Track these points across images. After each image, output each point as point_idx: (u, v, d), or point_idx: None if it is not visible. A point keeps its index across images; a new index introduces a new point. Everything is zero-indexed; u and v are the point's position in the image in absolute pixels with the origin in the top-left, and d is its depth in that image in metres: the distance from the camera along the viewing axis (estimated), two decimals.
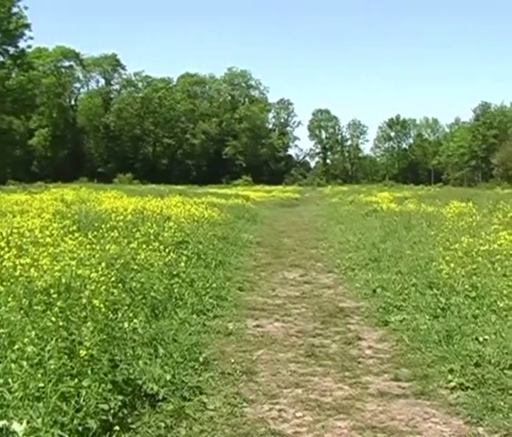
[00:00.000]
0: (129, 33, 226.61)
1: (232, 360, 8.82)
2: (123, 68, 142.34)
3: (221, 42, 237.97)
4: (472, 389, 7.53)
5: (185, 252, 15.34)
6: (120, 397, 6.47)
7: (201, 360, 8.60)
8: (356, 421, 6.77)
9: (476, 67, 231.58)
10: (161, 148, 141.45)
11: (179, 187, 68.08)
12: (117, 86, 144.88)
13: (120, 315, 8.39)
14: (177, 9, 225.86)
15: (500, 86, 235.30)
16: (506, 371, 7.76)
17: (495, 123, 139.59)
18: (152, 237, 14.68)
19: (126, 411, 6.46)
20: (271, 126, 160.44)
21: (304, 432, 6.51)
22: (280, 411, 7.09)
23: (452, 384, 7.74)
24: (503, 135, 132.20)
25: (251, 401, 7.35)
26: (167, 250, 13.41)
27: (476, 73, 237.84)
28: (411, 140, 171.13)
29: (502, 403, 7.01)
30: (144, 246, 13.06)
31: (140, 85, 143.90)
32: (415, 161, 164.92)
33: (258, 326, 10.99)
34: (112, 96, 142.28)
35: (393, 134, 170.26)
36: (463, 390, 7.57)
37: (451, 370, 8.09)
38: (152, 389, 7.05)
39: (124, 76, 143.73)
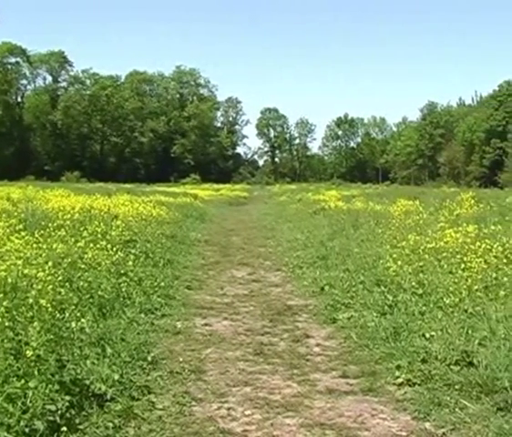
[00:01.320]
0: (77, 30, 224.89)
1: (181, 359, 8.79)
2: (70, 65, 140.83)
3: (170, 40, 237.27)
4: (419, 385, 7.61)
5: (133, 251, 15.26)
6: (68, 397, 6.39)
7: (150, 359, 8.55)
8: (305, 419, 6.79)
9: (423, 68, 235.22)
10: (109, 146, 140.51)
11: (127, 185, 67.76)
12: (64, 84, 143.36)
13: (67, 315, 8.31)
14: (125, 7, 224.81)
15: (446, 86, 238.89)
16: (452, 367, 7.85)
17: (441, 122, 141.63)
18: (100, 235, 14.54)
19: (73, 412, 6.39)
20: (219, 124, 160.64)
21: (253, 430, 6.51)
22: (229, 409, 7.07)
23: (399, 380, 7.81)
24: (449, 134, 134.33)
25: (200, 400, 7.33)
26: (114, 249, 13.29)
27: (422, 73, 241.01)
28: (359, 139, 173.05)
29: (448, 398, 7.10)
30: (91, 245, 12.93)
31: (88, 82, 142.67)
32: (363, 160, 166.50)
33: (206, 325, 10.96)
34: (59, 93, 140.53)
35: (341, 133, 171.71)
36: (410, 386, 7.64)
37: (398, 367, 8.17)
38: (100, 389, 6.98)
39: (71, 74, 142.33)
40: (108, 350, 8.25)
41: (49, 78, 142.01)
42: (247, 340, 9.99)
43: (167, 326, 10.61)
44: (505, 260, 11.78)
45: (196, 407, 7.12)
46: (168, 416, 6.79)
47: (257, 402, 7.28)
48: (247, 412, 6.98)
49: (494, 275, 11.10)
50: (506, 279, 10.72)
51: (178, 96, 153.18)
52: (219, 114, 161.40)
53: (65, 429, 5.89)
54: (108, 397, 6.94)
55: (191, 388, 7.73)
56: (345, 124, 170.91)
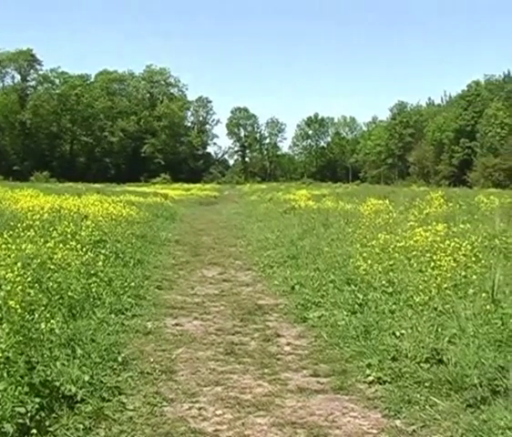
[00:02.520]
0: (46, 28, 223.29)
1: (151, 360, 8.76)
2: (39, 64, 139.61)
3: (140, 39, 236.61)
4: (389, 382, 7.66)
5: (103, 251, 15.15)
6: (37, 399, 6.34)
7: (120, 359, 8.50)
8: (276, 418, 6.80)
9: (393, 67, 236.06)
10: (79, 146, 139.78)
11: (97, 185, 67.59)
12: (33, 83, 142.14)
13: (37, 316, 8.24)
14: (95, 6, 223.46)
15: (416, 86, 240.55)
16: (422, 365, 7.91)
17: (411, 122, 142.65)
18: (69, 236, 14.47)
19: (43, 414, 6.33)
20: (189, 124, 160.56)
21: (224, 430, 6.51)
22: (200, 409, 7.07)
23: (370, 378, 7.85)
24: (419, 134, 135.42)
25: (171, 400, 7.31)
26: (84, 249, 13.22)
27: (392, 73, 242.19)
28: (329, 138, 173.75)
29: (418, 396, 7.15)
30: (61, 245, 12.84)
31: (57, 81, 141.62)
32: (333, 159, 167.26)
33: (177, 325, 10.94)
34: (28, 92, 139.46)
35: (311, 132, 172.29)
36: (381, 384, 7.69)
37: (369, 365, 8.21)
38: (70, 390, 6.93)
39: (40, 73, 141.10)
40: (78, 352, 8.20)
41: (18, 77, 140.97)
42: (218, 340, 9.98)
43: (137, 326, 10.57)
44: (473, 259, 11.88)
45: (167, 407, 7.10)
46: (139, 417, 6.76)
47: (228, 402, 7.27)
48: (218, 412, 6.97)
49: (463, 273, 11.18)
50: (474, 277, 10.79)
51: (148, 95, 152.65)
52: (189, 113, 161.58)
53: (35, 431, 5.84)
54: (79, 398, 6.89)
55: (162, 388, 7.70)
56: (315, 123, 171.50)
